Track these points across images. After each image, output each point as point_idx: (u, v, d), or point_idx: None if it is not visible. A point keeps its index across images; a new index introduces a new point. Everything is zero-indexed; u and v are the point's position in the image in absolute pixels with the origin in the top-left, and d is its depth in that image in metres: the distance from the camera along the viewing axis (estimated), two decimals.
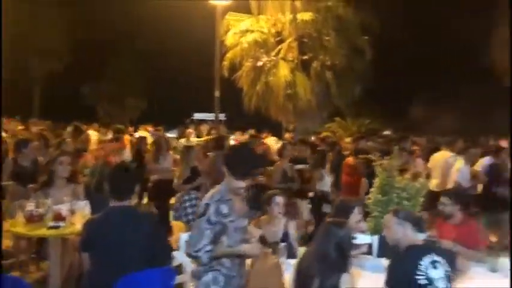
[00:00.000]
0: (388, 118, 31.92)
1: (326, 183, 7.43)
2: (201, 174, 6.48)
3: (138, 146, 8.73)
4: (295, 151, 8.28)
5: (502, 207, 7.15)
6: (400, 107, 32.79)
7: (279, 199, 4.29)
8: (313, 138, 18.33)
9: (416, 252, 3.07)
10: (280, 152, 7.32)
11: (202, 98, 21.15)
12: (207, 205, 3.06)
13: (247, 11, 15.58)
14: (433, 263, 2.97)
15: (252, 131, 14.43)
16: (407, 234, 3.16)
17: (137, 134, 12.86)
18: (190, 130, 13.31)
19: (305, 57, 15.24)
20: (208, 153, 7.32)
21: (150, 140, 10.82)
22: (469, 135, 17.94)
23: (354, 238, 4.01)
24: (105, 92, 26.95)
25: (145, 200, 7.93)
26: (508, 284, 3.77)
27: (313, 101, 14.92)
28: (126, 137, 10.00)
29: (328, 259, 2.93)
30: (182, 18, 23.85)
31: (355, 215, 4.20)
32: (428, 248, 3.12)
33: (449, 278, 3.00)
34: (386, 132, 23.88)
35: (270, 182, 6.97)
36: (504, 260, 4.26)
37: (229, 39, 15.22)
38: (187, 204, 6.31)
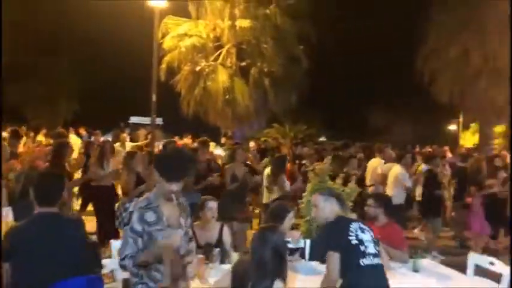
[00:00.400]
0: (324, 125, 32.98)
1: (287, 187, 7.52)
2: (145, 180, 6.32)
3: (87, 151, 8.43)
4: None
5: (439, 211, 7.64)
6: (335, 114, 33.98)
7: (212, 204, 4.28)
8: (251, 143, 18.53)
9: (345, 219, 3.42)
10: (233, 156, 7.31)
11: (139, 101, 20.68)
12: (131, 213, 2.90)
13: (186, 15, 15.45)
14: (361, 228, 3.30)
15: (189, 136, 14.35)
16: (333, 209, 3.40)
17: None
18: (125, 134, 12.96)
19: (243, 63, 15.32)
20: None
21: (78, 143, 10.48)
22: (397, 142, 18.97)
23: (288, 242, 4.12)
24: (35, 93, 25.61)
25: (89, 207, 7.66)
26: (428, 284, 4.01)
27: (251, 107, 15.02)
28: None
29: (265, 264, 2.91)
30: (120, 19, 23.19)
31: (290, 220, 4.30)
32: (355, 219, 3.51)
33: (376, 244, 3.31)
34: (322, 139, 24.67)
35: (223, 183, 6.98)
36: (425, 261, 4.53)
37: (167, 43, 14.99)
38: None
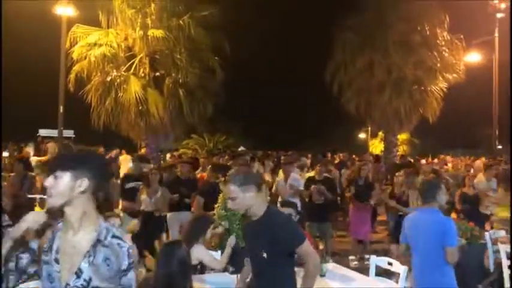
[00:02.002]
0: (242, 135, 33.38)
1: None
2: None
3: None
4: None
5: (323, 216, 7.98)
6: (253, 124, 34.62)
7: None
8: (168, 155, 18.17)
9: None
10: None
11: (49, 113, 19.62)
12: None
13: (96, 24, 14.88)
14: None
15: (101, 149, 13.82)
16: (253, 197, 3.04)
17: None
18: (28, 149, 12.14)
19: (157, 74, 15.03)
20: None
21: None
22: (308, 151, 19.63)
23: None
24: None
25: None
26: (333, 284, 4.18)
27: (166, 118, 14.73)
28: None
29: (172, 278, 2.97)
30: (26, 26, 21.94)
31: (210, 230, 4.47)
32: None
33: None
34: (241, 149, 24.90)
35: None
36: (331, 265, 4.72)
37: (76, 52, 14.32)
38: None
